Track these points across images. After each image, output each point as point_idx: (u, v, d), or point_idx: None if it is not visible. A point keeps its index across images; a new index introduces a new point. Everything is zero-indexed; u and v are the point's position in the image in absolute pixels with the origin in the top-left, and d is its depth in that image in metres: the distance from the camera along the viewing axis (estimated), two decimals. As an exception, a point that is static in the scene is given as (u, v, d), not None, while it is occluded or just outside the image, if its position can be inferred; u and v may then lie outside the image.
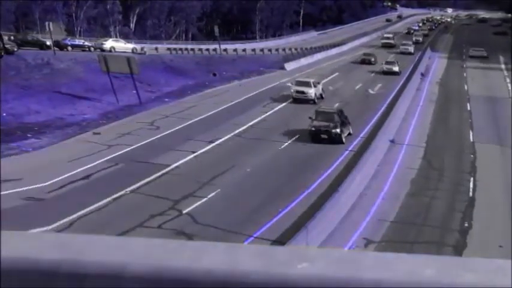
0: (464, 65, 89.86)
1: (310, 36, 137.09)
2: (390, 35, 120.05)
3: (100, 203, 27.10)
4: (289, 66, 79.19)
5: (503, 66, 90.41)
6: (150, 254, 1.29)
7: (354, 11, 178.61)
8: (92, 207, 26.49)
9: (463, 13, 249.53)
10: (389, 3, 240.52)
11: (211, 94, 57.50)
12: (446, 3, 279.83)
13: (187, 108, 49.24)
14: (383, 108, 51.52)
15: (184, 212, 26.75)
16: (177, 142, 37.99)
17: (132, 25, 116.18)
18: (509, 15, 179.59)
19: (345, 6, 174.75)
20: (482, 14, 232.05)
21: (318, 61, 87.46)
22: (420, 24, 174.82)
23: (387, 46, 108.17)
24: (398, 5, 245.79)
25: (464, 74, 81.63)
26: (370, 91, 61.93)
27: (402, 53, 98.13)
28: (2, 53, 55.04)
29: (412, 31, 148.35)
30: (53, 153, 35.32)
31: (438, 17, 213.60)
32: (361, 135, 42.42)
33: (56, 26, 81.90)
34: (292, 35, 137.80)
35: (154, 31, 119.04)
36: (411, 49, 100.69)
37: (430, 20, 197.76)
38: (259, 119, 46.23)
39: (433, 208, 30.01)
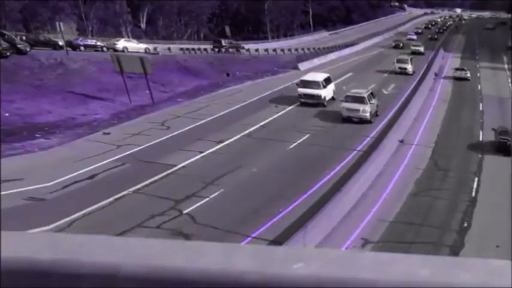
0: (478, 65, 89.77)
1: (322, 36, 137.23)
2: (318, 79, 53.43)
3: (101, 203, 27.08)
4: (303, 66, 79.08)
5: (506, 66, 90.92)
6: (146, 254, 1.29)
7: (362, 11, 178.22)
8: (92, 208, 26.47)
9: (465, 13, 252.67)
10: (397, 3, 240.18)
11: (224, 94, 57.41)
12: (453, 3, 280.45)
13: (199, 108, 49.23)
14: (395, 108, 51.42)
15: (184, 212, 26.73)
16: (187, 142, 37.97)
17: (142, 25, 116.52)
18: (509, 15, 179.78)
19: (352, 6, 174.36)
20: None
21: (331, 61, 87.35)
22: (420, 31, 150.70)
23: (312, 102, 51.26)
24: (406, 5, 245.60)
25: (478, 74, 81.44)
26: (384, 91, 61.78)
27: (347, 119, 45.97)
28: (8, 53, 55.18)
29: (401, 45, 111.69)
30: (61, 153, 35.24)
31: (439, 19, 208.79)
32: (371, 135, 42.29)
33: (66, 26, 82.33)
34: (303, 35, 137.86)
35: (166, 31, 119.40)
36: (366, 113, 45.60)
37: (434, 23, 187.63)
38: (270, 119, 46.12)
39: (434, 208, 29.95)
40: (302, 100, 51.45)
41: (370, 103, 46.29)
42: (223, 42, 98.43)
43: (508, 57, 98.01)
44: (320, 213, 25.46)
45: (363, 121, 45.28)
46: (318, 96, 51.14)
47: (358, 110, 45.31)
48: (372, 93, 48.57)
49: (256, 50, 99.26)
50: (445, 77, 77.09)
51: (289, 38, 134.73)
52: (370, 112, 45.96)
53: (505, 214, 29.14)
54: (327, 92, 52.40)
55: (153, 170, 32.15)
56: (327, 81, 53.83)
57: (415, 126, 46.18)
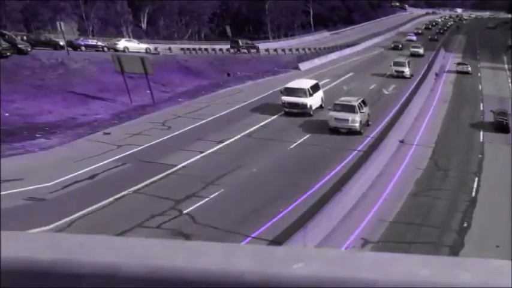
0: (479, 65, 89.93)
1: (323, 36, 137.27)
2: (303, 86, 49.48)
3: (101, 203, 27.09)
4: (304, 66, 79.08)
5: (506, 66, 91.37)
6: (146, 254, 1.29)
7: (363, 11, 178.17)
8: (92, 208, 26.48)
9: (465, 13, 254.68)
10: (398, 3, 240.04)
11: (225, 94, 57.40)
12: (454, 3, 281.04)
13: (200, 108, 49.22)
14: (396, 109, 51.40)
15: (184, 212, 26.74)
16: (187, 142, 37.97)
17: (143, 25, 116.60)
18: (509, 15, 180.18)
19: (353, 6, 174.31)
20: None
21: (332, 61, 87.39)
22: (420, 31, 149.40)
23: (297, 112, 47.87)
24: (406, 5, 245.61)
25: (479, 74, 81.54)
26: (384, 91, 61.81)
27: (335, 130, 43.17)
28: (8, 53, 55.14)
29: (400, 46, 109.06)
30: (61, 153, 35.20)
31: (439, 20, 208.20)
32: (372, 135, 42.26)
33: (67, 26, 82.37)
34: (304, 35, 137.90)
35: (166, 31, 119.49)
36: (355, 123, 42.52)
37: (434, 23, 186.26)
38: (270, 119, 46.07)
39: (434, 208, 29.97)
40: (286, 109, 47.64)
41: (361, 112, 42.78)
42: (241, 42, 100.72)
43: (508, 57, 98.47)
44: (320, 213, 25.47)
45: (351, 132, 41.91)
46: (304, 105, 47.42)
47: (347, 120, 41.80)
48: (363, 101, 44.65)
49: (257, 50, 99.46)
50: (448, 71, 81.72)
51: (290, 38, 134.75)
52: (360, 122, 42.44)
53: (505, 214, 29.16)
54: (313, 101, 48.53)
55: (154, 170, 32.13)
56: (314, 88, 49.74)
57: (415, 126, 46.16)
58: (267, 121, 45.24)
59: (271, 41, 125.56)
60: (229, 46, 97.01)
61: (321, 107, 49.39)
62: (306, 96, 47.63)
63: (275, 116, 47.16)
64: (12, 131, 39.43)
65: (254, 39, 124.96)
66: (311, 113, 47.60)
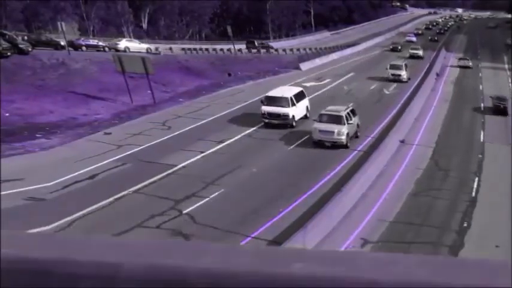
0: (479, 65, 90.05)
1: (324, 37, 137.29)
2: (286, 95, 44.97)
3: (101, 203, 27.11)
4: (305, 66, 79.08)
5: (506, 66, 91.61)
6: (146, 254, 1.29)
7: (364, 11, 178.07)
8: (92, 208, 26.50)
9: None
10: (398, 3, 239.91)
11: (226, 94, 57.40)
12: (454, 3, 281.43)
13: (200, 108, 49.22)
14: (396, 108, 51.38)
15: (184, 212, 26.74)
16: (187, 142, 37.97)
17: (144, 25, 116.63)
18: (510, 15, 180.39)
19: (354, 6, 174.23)
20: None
21: (333, 61, 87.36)
22: (420, 32, 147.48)
23: (277, 123, 43.70)
24: (407, 5, 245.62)
25: (480, 74, 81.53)
26: (385, 91, 61.79)
27: (319, 143, 40.67)
28: (8, 53, 55.10)
29: (399, 47, 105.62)
30: (61, 153, 35.22)
31: (440, 20, 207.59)
32: (372, 135, 42.20)
33: (68, 26, 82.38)
34: (305, 35, 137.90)
35: (167, 31, 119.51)
36: (341, 135, 38.96)
37: (435, 23, 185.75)
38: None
39: (434, 208, 29.94)
40: (266, 120, 43.31)
41: (348, 123, 38.78)
42: (256, 43, 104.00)
43: (508, 57, 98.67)
44: (320, 213, 25.47)
45: (337, 146, 38.07)
46: (285, 116, 43.03)
47: (332, 132, 37.81)
48: (352, 111, 40.66)
49: (258, 51, 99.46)
50: (451, 66, 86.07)
51: (291, 38, 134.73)
52: (348, 134, 38.52)
53: (505, 214, 29.13)
54: (296, 111, 44.12)
55: (154, 170, 32.12)
56: (298, 96, 45.32)
57: (416, 126, 46.11)
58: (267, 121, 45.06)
59: (272, 41, 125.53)
60: (229, 46, 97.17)
61: (305, 116, 45.46)
62: (288, 106, 43.38)
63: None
64: (13, 131, 39.44)
65: (255, 39, 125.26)
66: (293, 124, 43.48)
